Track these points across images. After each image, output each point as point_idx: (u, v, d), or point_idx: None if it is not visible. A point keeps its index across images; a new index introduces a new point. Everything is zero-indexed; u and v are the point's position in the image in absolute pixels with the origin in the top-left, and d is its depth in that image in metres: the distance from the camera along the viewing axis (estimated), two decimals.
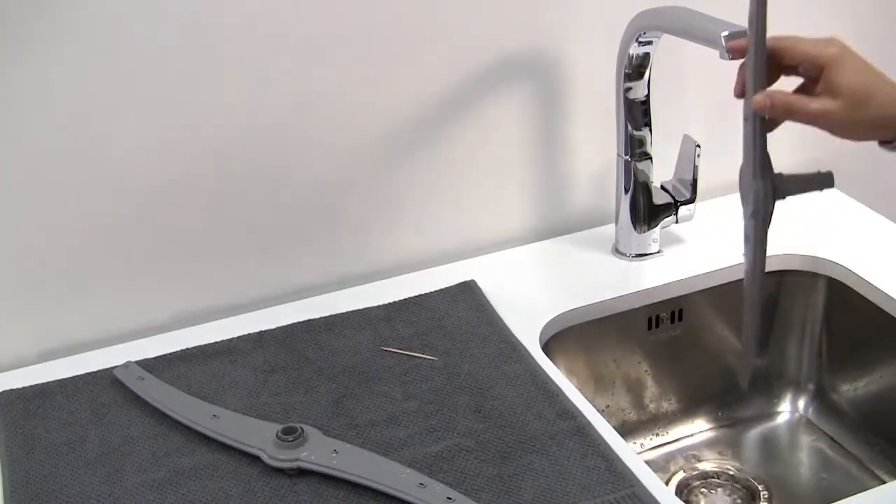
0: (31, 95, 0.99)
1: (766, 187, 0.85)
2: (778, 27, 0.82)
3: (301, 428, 0.91)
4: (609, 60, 1.13)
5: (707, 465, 1.19)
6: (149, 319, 1.12)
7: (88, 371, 1.03)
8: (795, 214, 1.29)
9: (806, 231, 1.24)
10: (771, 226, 0.86)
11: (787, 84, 0.85)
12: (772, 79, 0.84)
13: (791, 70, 0.84)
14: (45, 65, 0.98)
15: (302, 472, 0.89)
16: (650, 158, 1.16)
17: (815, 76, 0.81)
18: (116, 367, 1.03)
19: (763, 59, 0.82)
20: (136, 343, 1.09)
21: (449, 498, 0.84)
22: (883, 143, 0.83)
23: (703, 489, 1.16)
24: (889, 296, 1.11)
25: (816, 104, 0.81)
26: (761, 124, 0.84)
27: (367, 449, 0.91)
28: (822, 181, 0.86)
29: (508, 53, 1.16)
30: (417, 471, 0.88)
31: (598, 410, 0.97)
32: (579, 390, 0.99)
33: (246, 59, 1.05)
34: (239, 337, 1.08)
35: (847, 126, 0.81)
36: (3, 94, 0.98)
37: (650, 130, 1.15)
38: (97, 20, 0.98)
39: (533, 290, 1.16)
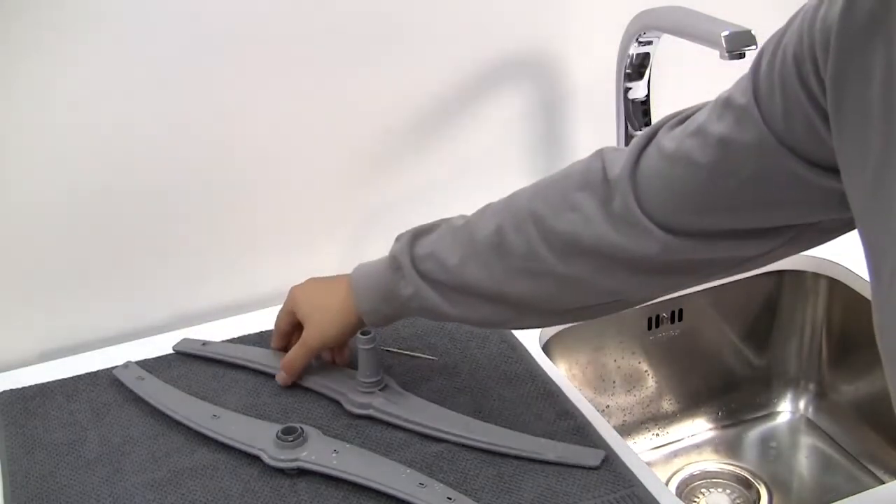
0: (30, 94, 0.99)
1: None
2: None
3: (301, 428, 0.91)
4: (609, 60, 1.13)
5: (707, 465, 1.19)
6: (149, 319, 1.12)
7: (88, 371, 1.03)
8: None
9: None
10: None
11: None
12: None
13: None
14: (43, 64, 0.98)
15: (302, 473, 0.89)
16: None
17: None
18: (116, 367, 1.03)
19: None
20: (136, 343, 1.09)
21: (449, 498, 0.84)
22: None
23: (703, 489, 1.16)
24: None
25: (300, 344, 0.96)
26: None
27: (368, 449, 0.91)
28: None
29: (508, 53, 1.16)
30: (417, 471, 0.88)
31: (598, 410, 0.97)
32: (579, 390, 0.99)
33: (244, 62, 1.05)
34: (239, 337, 1.08)
35: (331, 332, 0.96)
36: (2, 96, 0.98)
37: None
38: (94, 24, 0.98)
39: None
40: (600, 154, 0.80)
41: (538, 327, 0.90)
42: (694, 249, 0.75)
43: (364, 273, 0.93)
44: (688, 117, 0.75)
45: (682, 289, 0.83)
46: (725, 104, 0.70)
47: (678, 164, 0.73)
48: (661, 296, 0.85)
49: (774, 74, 0.65)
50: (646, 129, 0.78)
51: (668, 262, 0.76)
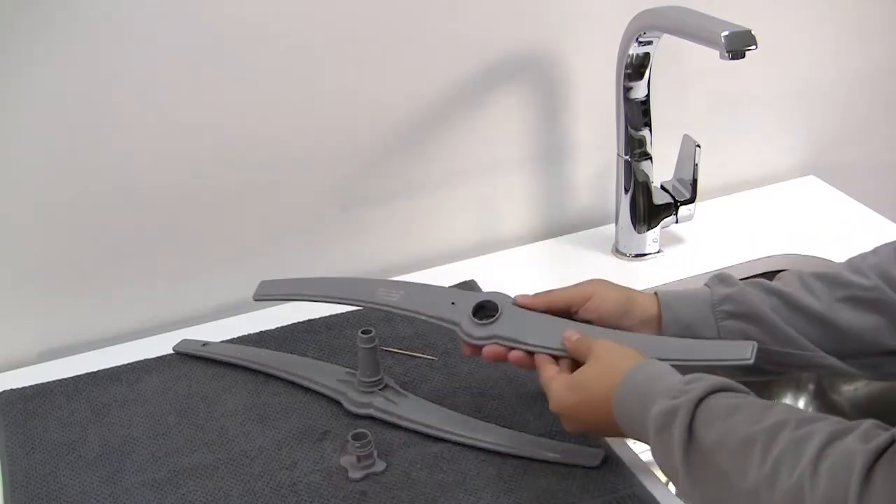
0: (31, 96, 0.99)
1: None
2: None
3: (496, 304, 0.92)
4: (609, 60, 1.13)
5: None
6: (149, 319, 1.12)
7: (88, 371, 1.03)
8: (795, 214, 1.29)
9: (805, 231, 1.24)
10: None
11: None
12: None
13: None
14: (43, 65, 0.98)
15: (301, 485, 0.89)
16: (650, 158, 1.16)
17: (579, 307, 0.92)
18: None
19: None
20: (135, 343, 1.09)
21: None
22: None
23: None
24: None
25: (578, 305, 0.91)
26: None
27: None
28: None
29: (508, 53, 1.16)
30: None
31: None
32: None
33: (246, 62, 1.05)
34: (239, 337, 1.08)
35: (605, 307, 0.90)
36: (3, 95, 0.98)
37: (650, 130, 1.15)
38: (94, 23, 0.98)
39: (533, 290, 1.15)
40: None
41: (856, 370, 0.88)
42: None
43: (675, 289, 0.93)
44: None
45: None
46: None
47: None
48: None
49: None
50: None
51: None
